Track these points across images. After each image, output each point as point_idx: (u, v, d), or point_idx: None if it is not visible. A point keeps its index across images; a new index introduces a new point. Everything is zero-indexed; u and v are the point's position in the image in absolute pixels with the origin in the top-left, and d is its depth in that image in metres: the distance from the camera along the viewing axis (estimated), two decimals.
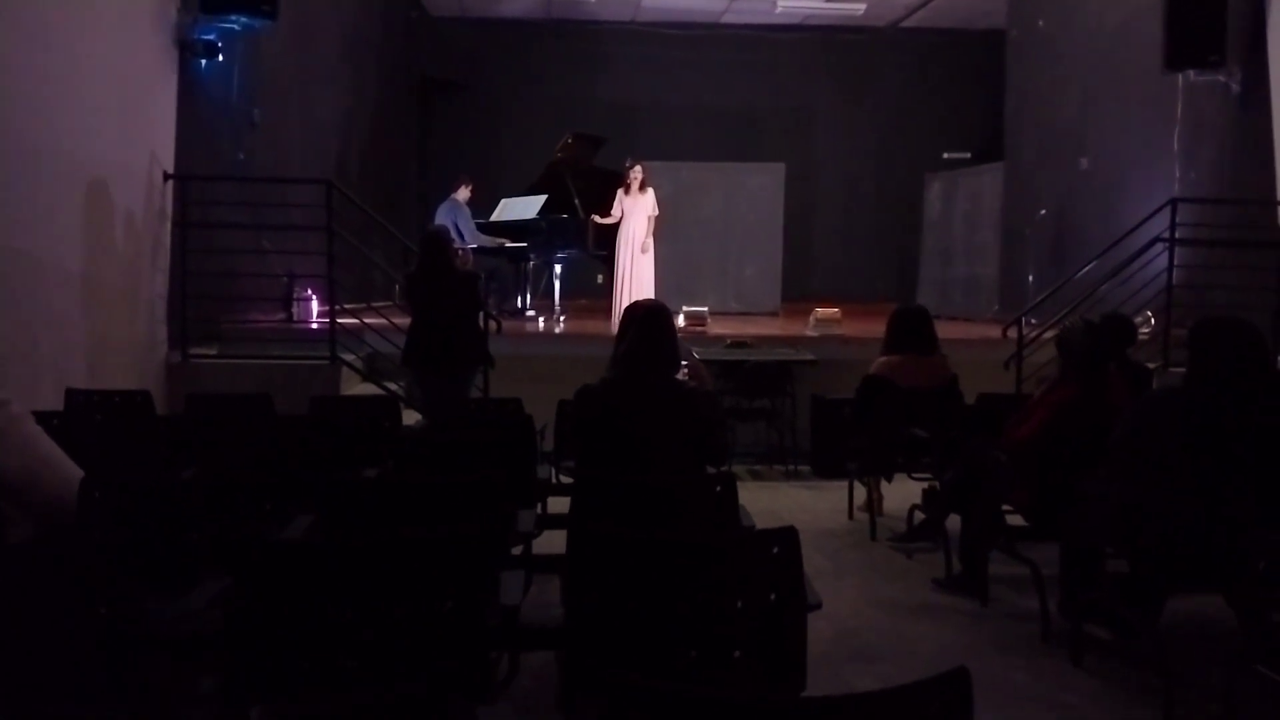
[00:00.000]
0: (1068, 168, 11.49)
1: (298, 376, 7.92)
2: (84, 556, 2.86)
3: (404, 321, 7.59)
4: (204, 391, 6.48)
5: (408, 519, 3.69)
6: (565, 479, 5.58)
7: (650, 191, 11.40)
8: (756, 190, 14.50)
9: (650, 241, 11.43)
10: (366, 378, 8.62)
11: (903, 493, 6.61)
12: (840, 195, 17.11)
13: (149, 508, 3.66)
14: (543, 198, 11.74)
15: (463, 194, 11.69)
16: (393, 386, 8.36)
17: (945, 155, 16.02)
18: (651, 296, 10.86)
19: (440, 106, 16.47)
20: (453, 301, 7.12)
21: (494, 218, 12.10)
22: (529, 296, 11.97)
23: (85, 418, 5.65)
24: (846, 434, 6.96)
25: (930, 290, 14.59)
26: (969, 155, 15.68)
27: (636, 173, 11.36)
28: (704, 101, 16.57)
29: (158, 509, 3.67)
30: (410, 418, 7.23)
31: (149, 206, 7.85)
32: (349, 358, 8.40)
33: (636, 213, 11.36)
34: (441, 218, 11.28)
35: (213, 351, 8.46)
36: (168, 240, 8.13)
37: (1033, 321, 9.21)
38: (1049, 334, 7.98)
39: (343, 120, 12.74)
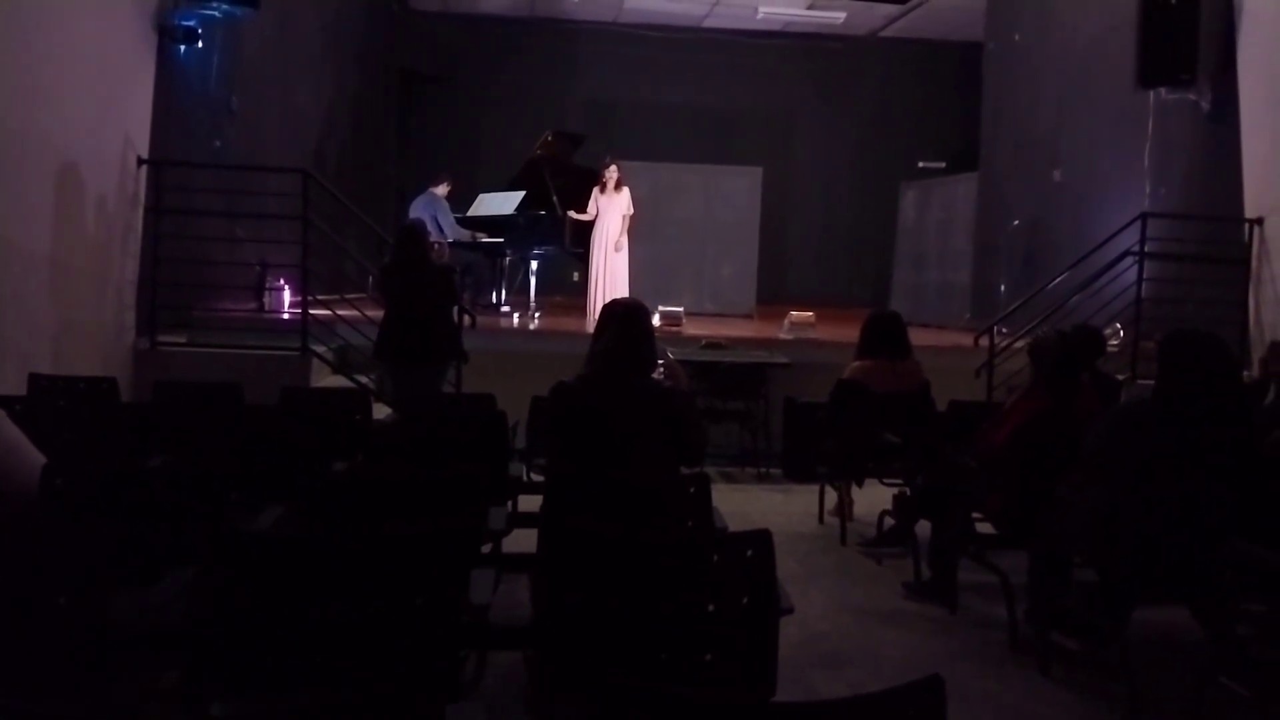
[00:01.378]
0: (1041, 179, 11.54)
1: (268, 367, 7.87)
2: (45, 546, 2.79)
3: (377, 314, 7.54)
4: (172, 380, 6.40)
5: (378, 513, 3.65)
6: (537, 477, 5.58)
7: (626, 191, 11.41)
8: (734, 193, 14.51)
9: (624, 240, 11.43)
10: (337, 370, 8.57)
11: (874, 498, 6.62)
12: (816, 200, 17.14)
13: (113, 497, 3.60)
14: (520, 194, 11.69)
15: (441, 190, 11.63)
16: (364, 379, 8.31)
17: (921, 164, 16.08)
18: (627, 295, 10.89)
19: (420, 100, 16.38)
20: (427, 295, 7.07)
21: (471, 212, 12.04)
22: (504, 292, 11.93)
23: (49, 404, 5.58)
24: (819, 437, 6.95)
25: (904, 296, 14.64)
26: (944, 164, 15.75)
27: (612, 171, 11.37)
28: (684, 103, 16.56)
29: (122, 498, 3.61)
30: (381, 411, 7.19)
31: (121, 191, 7.75)
32: (320, 349, 8.35)
33: (611, 211, 11.36)
34: (418, 211, 11.20)
35: (182, 339, 8.38)
36: (139, 226, 8.04)
37: (1004, 330, 9.24)
38: (1020, 343, 8.00)
39: (322, 111, 12.64)
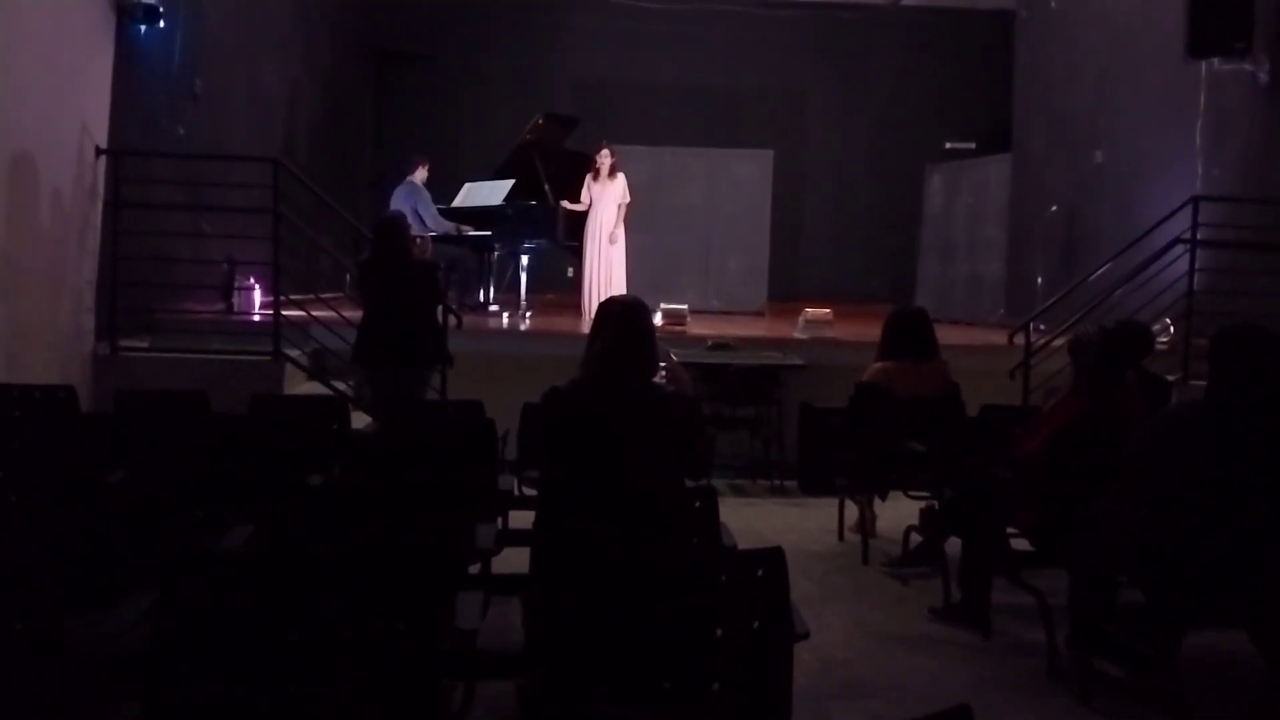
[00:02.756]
0: (1080, 161, 11.53)
1: (237, 373, 7.87)
2: None
3: (355, 314, 7.54)
4: (134, 387, 6.40)
5: (356, 531, 3.66)
6: (529, 491, 5.59)
7: (621, 177, 11.42)
8: (742, 179, 14.50)
9: (620, 231, 11.44)
10: (312, 375, 8.58)
11: (898, 512, 6.62)
12: (833, 186, 17.11)
13: (71, 514, 3.61)
14: (510, 183, 11.68)
15: (420, 175, 11.63)
16: (341, 386, 8.32)
17: (947, 145, 16.05)
18: (624, 291, 10.90)
19: (398, 81, 16.36)
20: (409, 293, 7.08)
21: (456, 203, 12.04)
22: (492, 289, 11.93)
23: (2, 414, 5.58)
24: (837, 446, 6.95)
25: (930, 291, 14.62)
26: (973, 145, 15.71)
27: (604, 156, 11.38)
28: (686, 82, 16.54)
29: (80, 515, 3.63)
30: (360, 420, 7.19)
31: (78, 183, 7.76)
32: (294, 353, 8.35)
33: (605, 200, 11.37)
34: (399, 202, 11.20)
35: (144, 344, 8.38)
36: (98, 221, 8.05)
37: (1041, 327, 9.23)
38: (1059, 341, 7.99)
39: (291, 94, 12.65)
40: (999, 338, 9.69)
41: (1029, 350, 8.86)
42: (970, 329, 12.17)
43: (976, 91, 15.68)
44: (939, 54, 16.38)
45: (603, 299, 4.77)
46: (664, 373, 4.66)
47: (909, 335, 6.72)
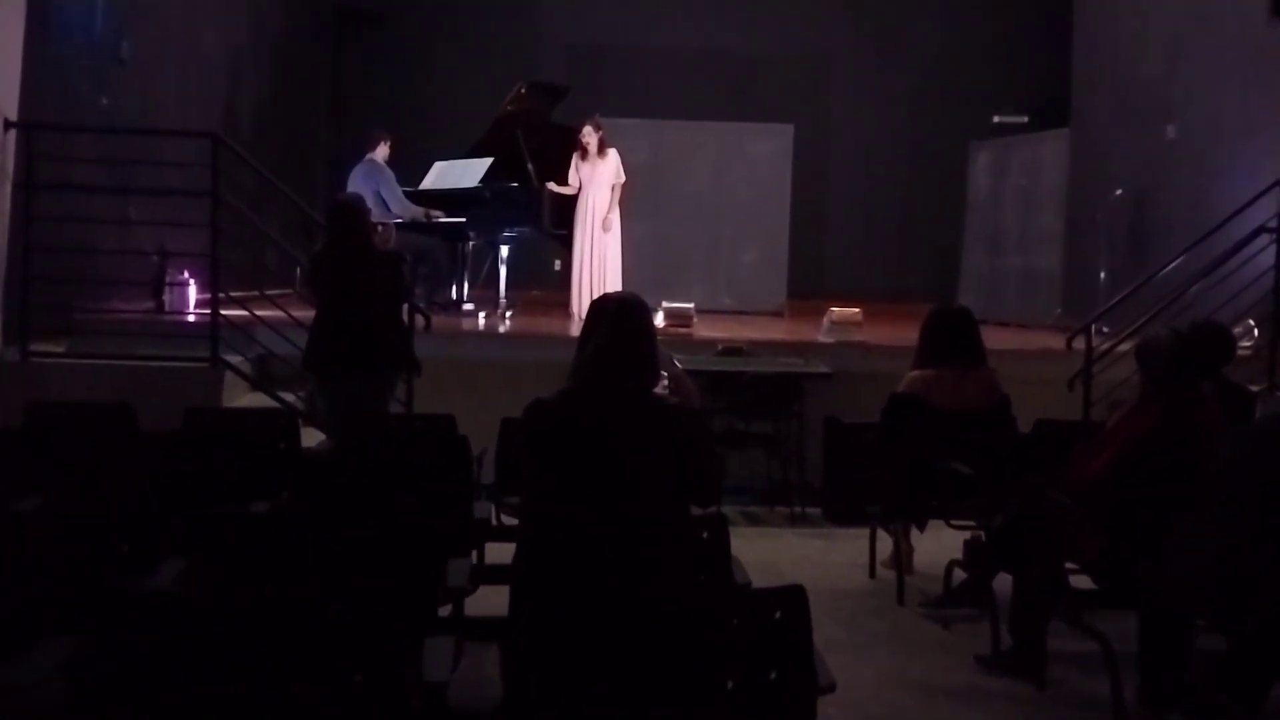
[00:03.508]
0: (1150, 136, 11.54)
1: (169, 382, 7.88)
2: None
3: (306, 314, 7.53)
4: (50, 399, 6.42)
5: (307, 568, 3.65)
6: (509, 520, 5.60)
7: (613, 154, 11.41)
8: (757, 157, 14.48)
9: (615, 217, 11.43)
10: (256, 385, 8.58)
11: (939, 544, 6.61)
12: (863, 165, 17.12)
13: None
14: (488, 161, 11.68)
15: (382, 152, 11.62)
16: (290, 397, 8.32)
17: (996, 119, 16.03)
18: (620, 286, 10.89)
19: (360, 44, 16.35)
20: (369, 290, 7.07)
21: (425, 185, 12.04)
22: (467, 285, 11.92)
23: None
24: (868, 467, 6.95)
25: (975, 288, 14.63)
26: (1025, 119, 15.70)
27: (590, 132, 11.36)
28: (692, 45, 16.56)
29: None
30: (312, 437, 7.19)
31: None
32: (235, 359, 8.35)
33: (597, 182, 11.36)
34: (359, 184, 11.20)
35: (61, 349, 8.39)
36: (7, 206, 8.05)
37: (1105, 330, 9.24)
38: (1126, 345, 7.98)
39: (235, 59, 12.66)
40: (1056, 341, 9.72)
41: (1090, 356, 8.86)
42: (1022, 331, 12.18)
43: (1029, 57, 15.69)
44: (987, 12, 16.39)
45: (596, 296, 4.77)
46: (667, 382, 4.66)
47: (951, 339, 6.72)
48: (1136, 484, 4.90)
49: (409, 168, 12.01)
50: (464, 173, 11.82)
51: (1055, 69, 14.12)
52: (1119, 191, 11.96)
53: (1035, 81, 15.54)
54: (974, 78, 16.37)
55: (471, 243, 11.85)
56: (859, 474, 7.26)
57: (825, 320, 10.74)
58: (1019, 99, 15.90)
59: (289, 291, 10.26)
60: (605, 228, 11.37)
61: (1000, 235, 14.77)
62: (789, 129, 14.57)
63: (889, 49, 16.94)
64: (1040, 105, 15.25)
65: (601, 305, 4.45)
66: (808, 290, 14.59)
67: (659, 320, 9.59)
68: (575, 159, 11.46)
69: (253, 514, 4.35)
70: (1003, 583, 5.57)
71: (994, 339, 7.42)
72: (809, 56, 17.04)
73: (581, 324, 4.47)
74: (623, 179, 11.42)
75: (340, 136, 15.51)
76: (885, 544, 6.91)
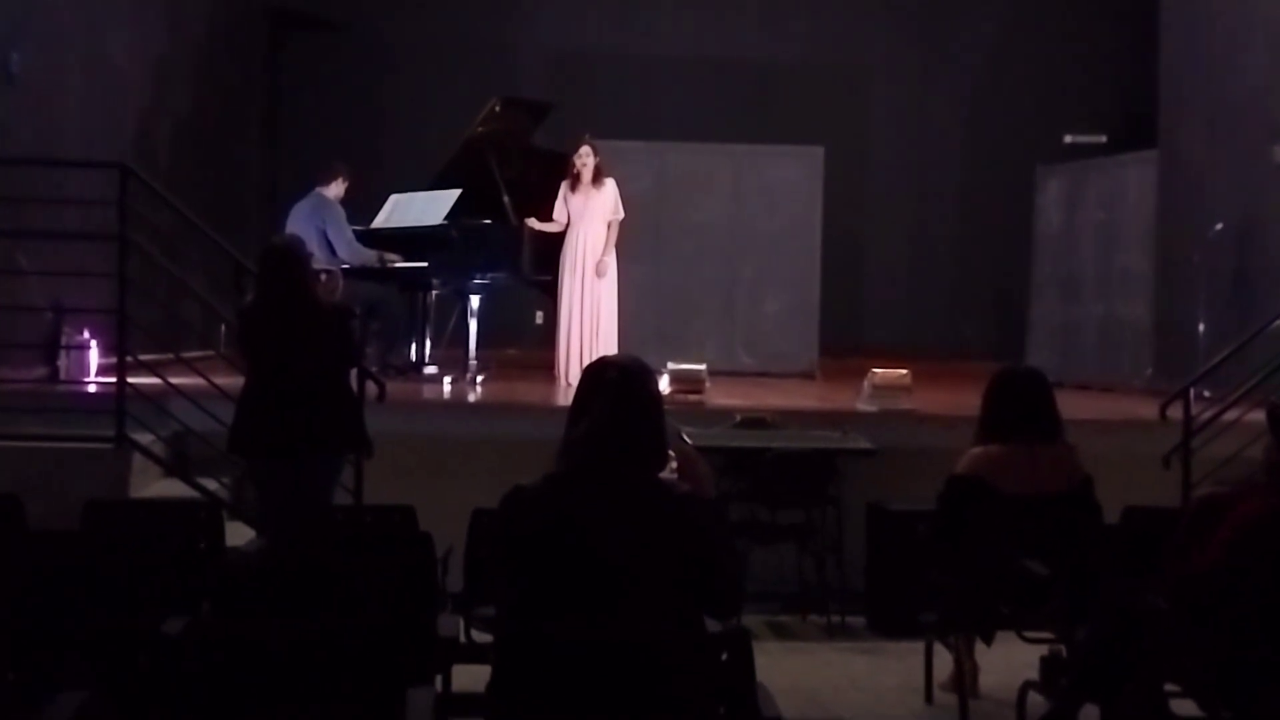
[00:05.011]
0: (1254, 161, 11.57)
1: (65, 467, 7.87)
2: None
3: (234, 382, 7.52)
4: None
5: (234, 701, 3.58)
6: (481, 637, 5.55)
7: (610, 185, 11.45)
8: (781, 186, 14.50)
9: (611, 260, 11.46)
10: (171, 471, 8.58)
11: (1010, 661, 6.58)
12: (908, 196, 17.22)
13: None
14: (455, 193, 11.71)
15: (334, 190, 11.64)
16: (212, 485, 8.31)
17: (1068, 139, 16.15)
18: (616, 343, 10.88)
19: (301, 54, 16.47)
20: (310, 352, 7.07)
21: (379, 223, 12.08)
22: (429, 344, 11.94)
23: None
24: (921, 566, 6.92)
25: (1047, 343, 14.65)
26: (1104, 139, 15.81)
27: (586, 156, 11.39)
28: (702, 54, 16.68)
29: None
30: (240, 535, 7.15)
31: None
32: (145, 439, 8.34)
33: (589, 217, 11.40)
34: (300, 223, 11.20)
35: None
36: None
37: (1206, 394, 9.20)
38: (1233, 413, 7.95)
39: (151, 73, 12.71)
40: (1147, 409, 9.71)
41: (1189, 427, 8.84)
42: (1106, 397, 12.22)
43: (1107, 67, 15.80)
44: (1056, 17, 16.51)
45: (586, 354, 4.74)
46: (674, 464, 4.61)
47: (1020, 407, 6.68)
48: (1257, 583, 4.86)
49: (360, 202, 12.04)
50: (426, 208, 11.84)
51: (1139, 78, 14.19)
52: (1219, 226, 11.97)
53: (1115, 94, 15.66)
54: (1039, 92, 16.49)
55: (435, 292, 11.86)
56: (910, 574, 7.26)
57: (866, 384, 10.69)
58: (1095, 115, 16.02)
59: (212, 354, 10.23)
60: (599, 272, 11.39)
61: (1076, 279, 14.77)
62: (819, 151, 14.58)
63: (937, 56, 17.08)
64: (1121, 122, 15.36)
65: (599, 373, 4.42)
66: (844, 347, 14.63)
67: (664, 386, 9.55)
68: (563, 189, 11.46)
69: (165, 634, 4.30)
70: (1090, 713, 5.50)
71: (1071, 406, 7.38)
72: (843, 67, 17.17)
73: (572, 393, 4.44)
74: (621, 215, 11.43)
75: (277, 165, 15.60)
76: (944, 661, 6.88)
